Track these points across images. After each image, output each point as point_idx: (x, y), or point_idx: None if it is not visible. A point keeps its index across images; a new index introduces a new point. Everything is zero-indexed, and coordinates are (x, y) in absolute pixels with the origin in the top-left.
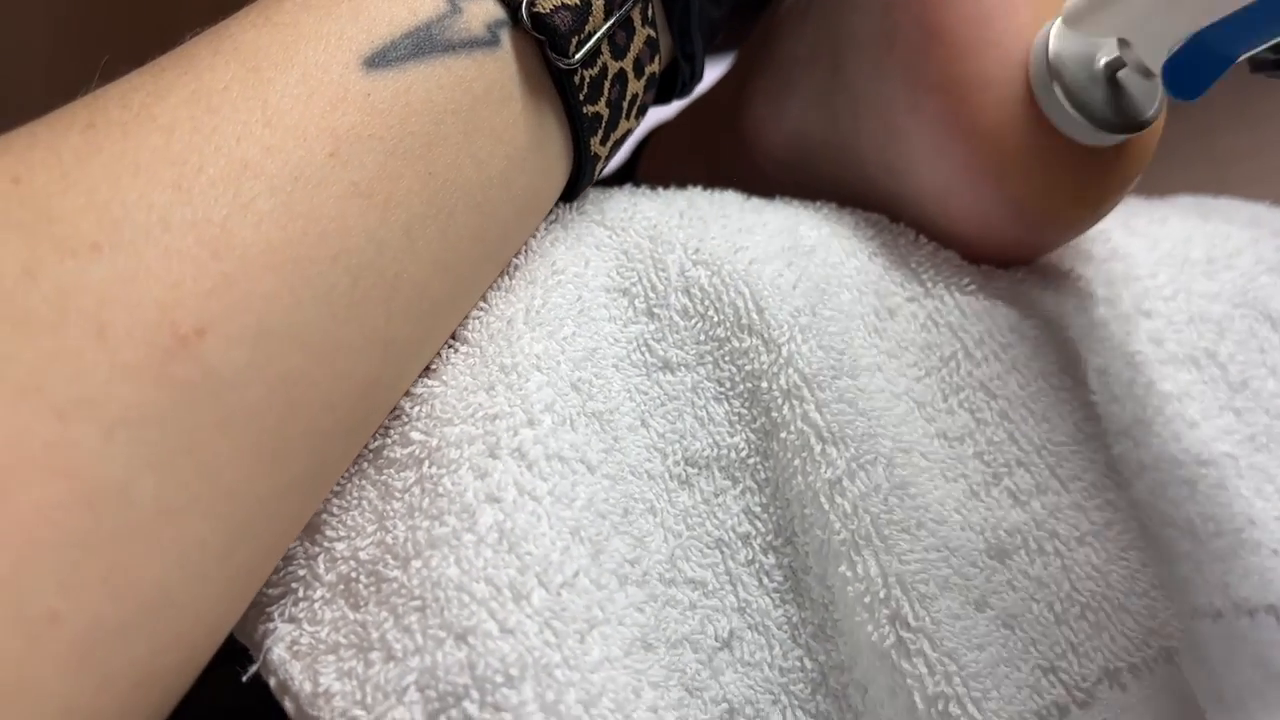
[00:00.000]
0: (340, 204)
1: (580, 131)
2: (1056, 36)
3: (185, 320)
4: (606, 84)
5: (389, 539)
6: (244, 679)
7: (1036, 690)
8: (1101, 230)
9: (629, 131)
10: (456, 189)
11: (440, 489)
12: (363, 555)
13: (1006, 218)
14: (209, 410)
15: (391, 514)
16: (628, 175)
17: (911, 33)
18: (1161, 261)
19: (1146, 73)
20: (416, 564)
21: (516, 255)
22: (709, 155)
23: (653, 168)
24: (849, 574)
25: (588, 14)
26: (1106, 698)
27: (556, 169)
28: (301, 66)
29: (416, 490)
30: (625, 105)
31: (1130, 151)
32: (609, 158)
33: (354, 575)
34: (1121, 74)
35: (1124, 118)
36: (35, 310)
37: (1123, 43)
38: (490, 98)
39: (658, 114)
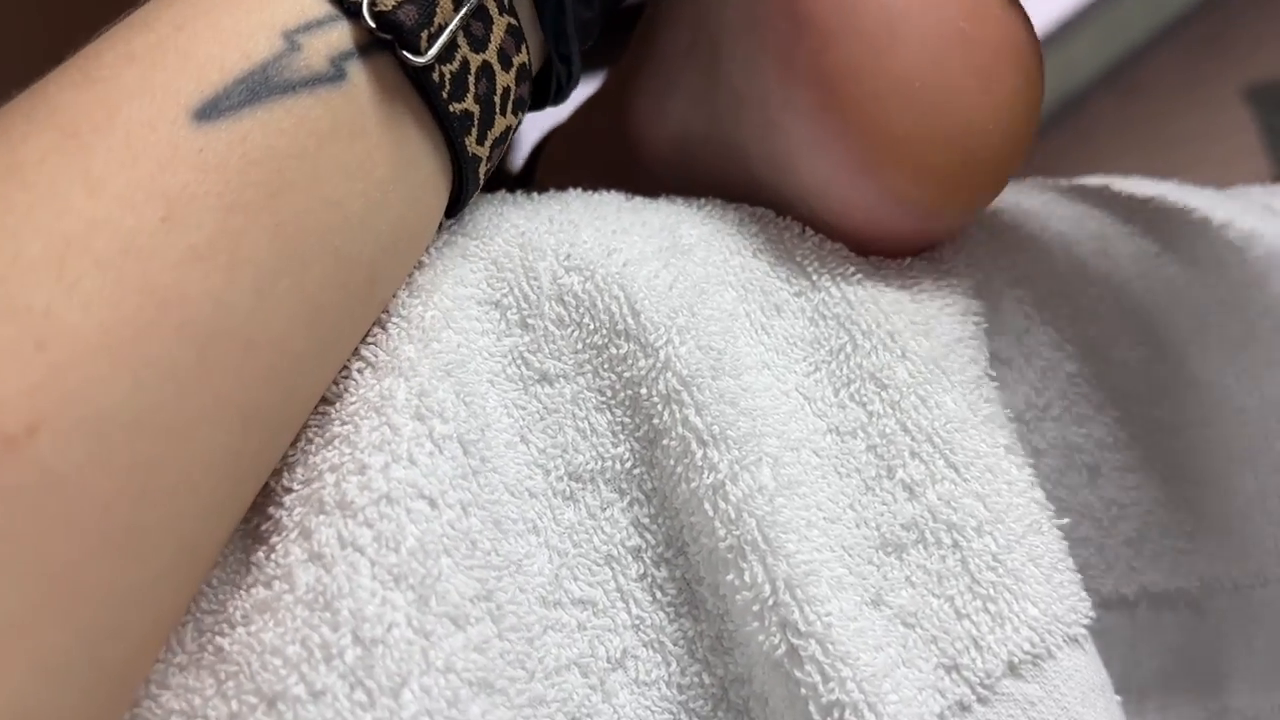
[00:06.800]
0: (178, 271)
1: (452, 133)
2: None
3: (12, 420)
4: (471, 78)
5: (229, 608)
6: None
7: (939, 690)
8: (997, 212)
9: (508, 128)
10: (310, 237)
11: (273, 556)
12: (216, 627)
13: (888, 209)
14: (52, 513)
15: (241, 585)
16: (527, 180)
17: (780, 22)
18: (1067, 243)
19: None
20: (240, 630)
21: None
22: (600, 156)
23: (549, 171)
24: (736, 581)
25: (434, 6)
26: (1010, 691)
27: (428, 196)
28: (125, 127)
29: (261, 560)
30: (497, 100)
31: (1010, 139)
32: (491, 159)
33: (207, 645)
34: None
35: None
36: None
37: None
38: (339, 135)
39: (552, 115)
